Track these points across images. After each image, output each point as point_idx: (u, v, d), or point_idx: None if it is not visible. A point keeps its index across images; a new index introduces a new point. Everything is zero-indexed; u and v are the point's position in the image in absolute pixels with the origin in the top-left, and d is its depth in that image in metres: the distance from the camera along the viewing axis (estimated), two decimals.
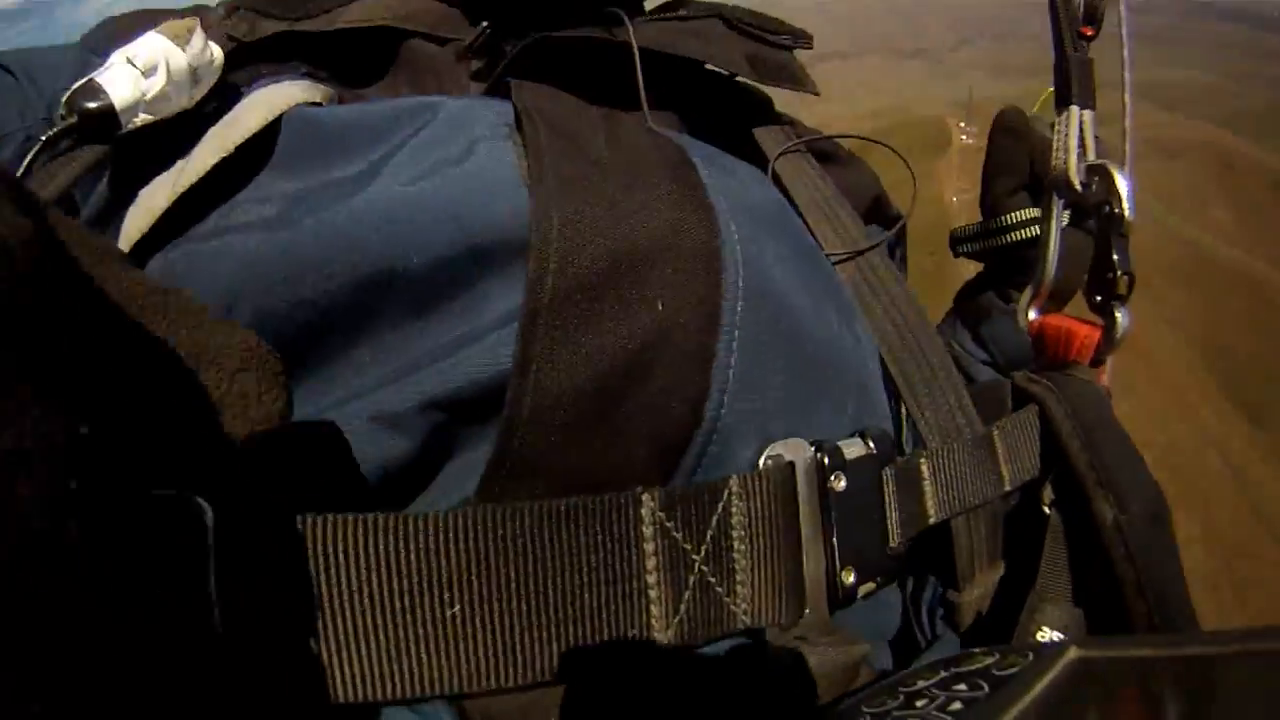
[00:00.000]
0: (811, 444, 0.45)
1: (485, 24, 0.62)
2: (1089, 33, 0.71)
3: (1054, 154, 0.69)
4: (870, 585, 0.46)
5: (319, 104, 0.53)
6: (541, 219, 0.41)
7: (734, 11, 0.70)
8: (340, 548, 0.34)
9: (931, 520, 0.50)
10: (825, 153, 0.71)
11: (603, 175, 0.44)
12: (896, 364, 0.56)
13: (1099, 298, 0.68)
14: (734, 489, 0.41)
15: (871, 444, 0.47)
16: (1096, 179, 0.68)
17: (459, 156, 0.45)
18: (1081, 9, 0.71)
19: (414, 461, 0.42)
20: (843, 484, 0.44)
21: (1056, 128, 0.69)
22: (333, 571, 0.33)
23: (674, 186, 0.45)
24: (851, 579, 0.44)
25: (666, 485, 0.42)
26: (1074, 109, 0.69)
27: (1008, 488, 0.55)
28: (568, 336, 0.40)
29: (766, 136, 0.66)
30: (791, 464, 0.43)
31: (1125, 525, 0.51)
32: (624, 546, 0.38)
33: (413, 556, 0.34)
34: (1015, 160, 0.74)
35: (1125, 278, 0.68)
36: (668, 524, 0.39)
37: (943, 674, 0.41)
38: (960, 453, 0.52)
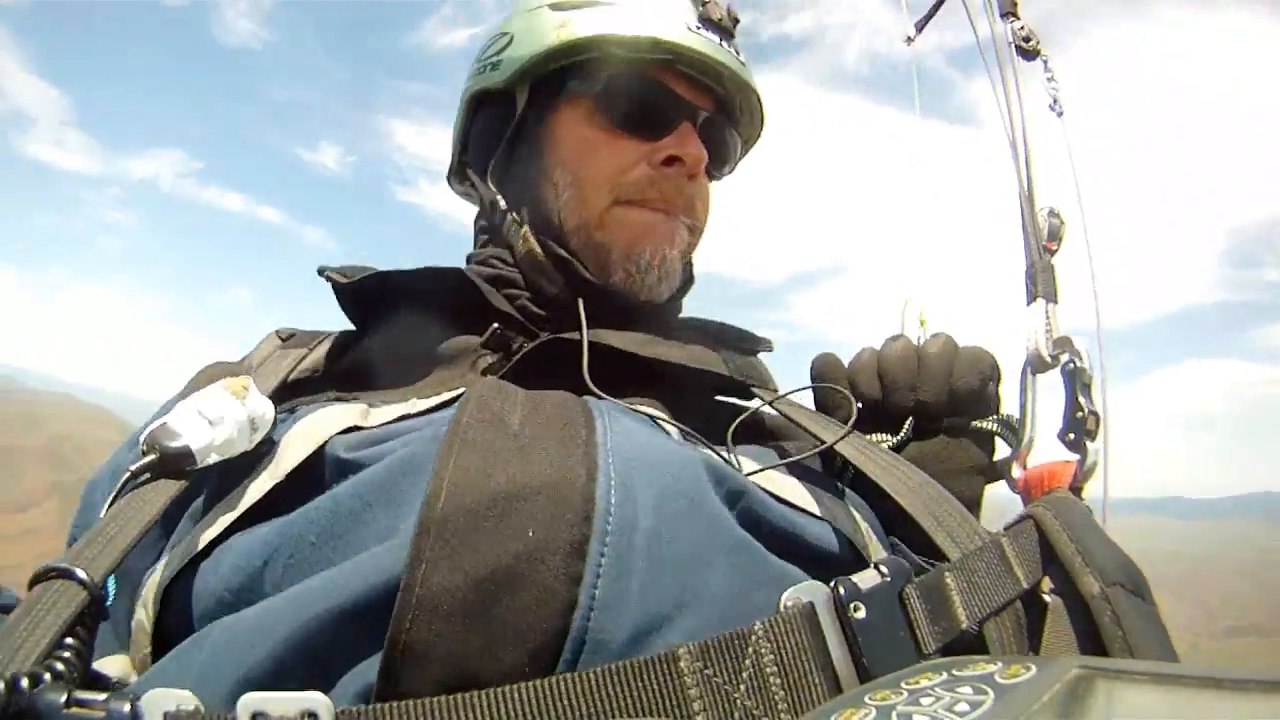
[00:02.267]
0: (830, 582, 0.53)
1: (496, 325, 0.85)
2: (1052, 247, 0.95)
3: (1026, 338, 0.91)
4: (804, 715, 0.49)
5: (355, 424, 0.70)
6: (440, 465, 0.55)
7: (705, 322, 0.98)
8: None
9: (964, 626, 0.55)
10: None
11: (511, 440, 0.59)
12: (907, 501, 0.69)
13: (1072, 435, 0.87)
14: (759, 632, 0.49)
15: (885, 571, 0.54)
16: (1062, 351, 0.89)
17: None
18: (1046, 231, 0.96)
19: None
20: (862, 613, 0.51)
21: (1030, 316, 0.92)
22: None
23: (564, 442, 0.59)
24: None
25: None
26: (1041, 301, 0.92)
27: (1025, 586, 0.62)
28: (450, 546, 0.51)
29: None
30: (810, 603, 0.51)
31: (1110, 595, 0.59)
32: (671, 699, 0.46)
33: None
34: (833, 401, 0.91)
35: (1092, 416, 0.87)
36: (707, 670, 0.47)
37: (945, 676, 0.44)
38: (977, 561, 0.60)
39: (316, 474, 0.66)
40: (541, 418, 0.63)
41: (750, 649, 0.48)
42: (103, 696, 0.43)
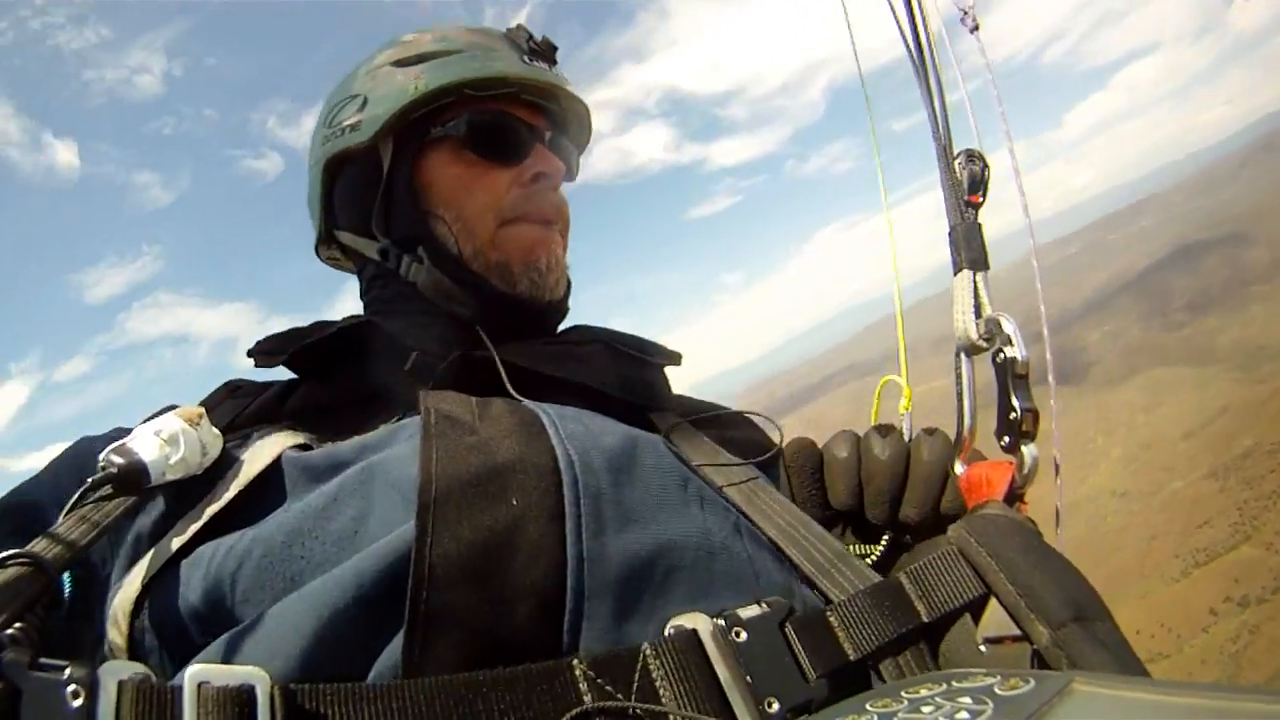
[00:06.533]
0: (712, 615, 0.59)
1: (415, 352, 0.91)
2: (977, 200, 0.82)
3: (954, 317, 0.80)
4: (804, 716, 0.56)
5: (303, 444, 0.78)
6: (425, 455, 0.65)
7: (612, 335, 1.00)
8: (325, 711, 0.48)
9: (852, 657, 0.60)
10: (713, 421, 0.95)
11: (472, 433, 0.69)
12: (791, 549, 0.71)
13: (1007, 438, 0.77)
14: (648, 652, 0.56)
15: (766, 606, 0.61)
16: (993, 334, 0.78)
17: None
18: (966, 181, 0.82)
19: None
20: (744, 636, 0.58)
21: (954, 291, 0.80)
22: None
23: (521, 432, 0.69)
24: (776, 708, 0.56)
25: (562, 646, 0.58)
26: (966, 273, 0.80)
27: (925, 619, 0.64)
28: (449, 519, 0.60)
29: (660, 419, 0.91)
30: (694, 630, 0.58)
31: (1062, 639, 0.59)
32: (565, 704, 0.52)
33: (390, 716, 0.49)
34: (808, 495, 0.87)
35: (1029, 415, 0.77)
36: (599, 680, 0.54)
37: (945, 686, 0.46)
38: (863, 600, 0.64)
39: (275, 484, 0.73)
40: (493, 415, 0.73)
41: (639, 664, 0.55)
42: (64, 663, 0.48)
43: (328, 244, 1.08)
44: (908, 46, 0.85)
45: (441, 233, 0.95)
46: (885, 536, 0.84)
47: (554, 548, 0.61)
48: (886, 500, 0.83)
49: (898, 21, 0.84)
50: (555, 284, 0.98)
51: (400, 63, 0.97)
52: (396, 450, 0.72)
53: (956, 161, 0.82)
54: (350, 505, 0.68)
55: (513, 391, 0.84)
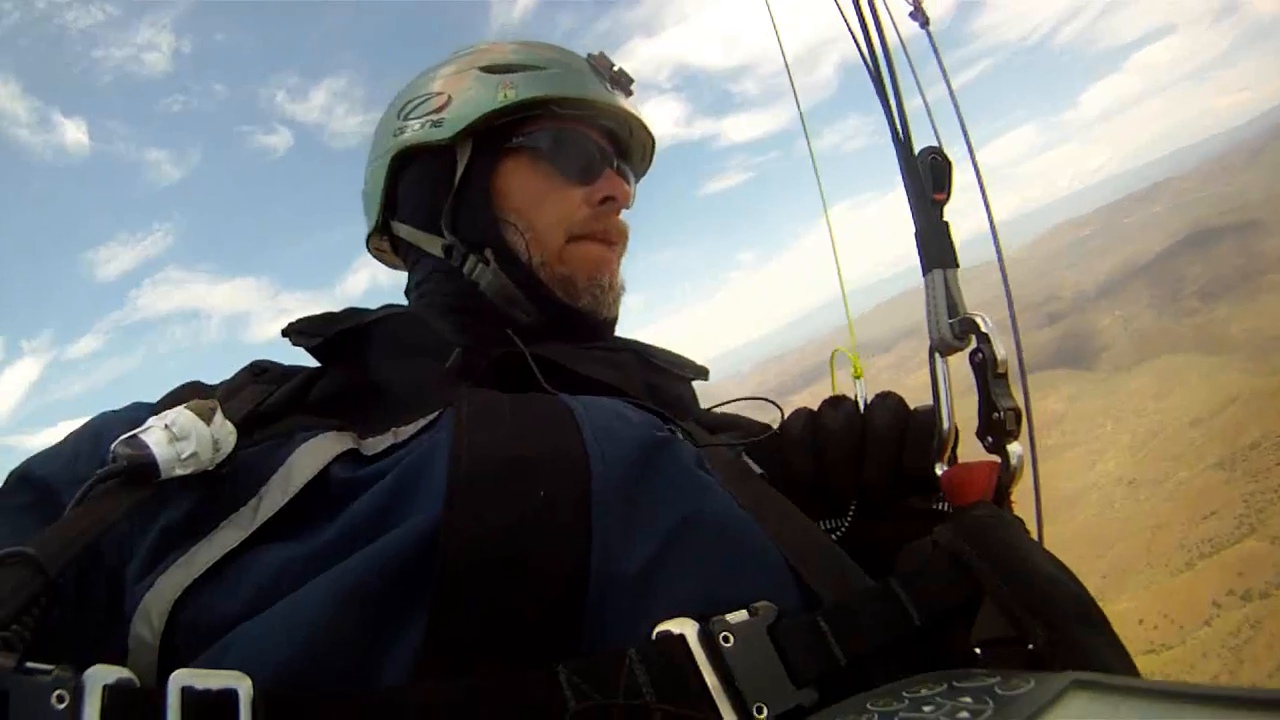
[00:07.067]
0: (698, 618, 0.58)
1: (458, 349, 0.92)
2: (941, 198, 0.79)
3: (927, 318, 0.78)
4: None
5: (352, 448, 0.77)
6: (456, 443, 0.68)
7: (645, 347, 1.05)
8: (307, 717, 0.50)
9: (842, 662, 0.59)
10: (727, 424, 1.00)
11: (504, 425, 0.72)
12: (787, 548, 0.68)
13: (990, 439, 0.75)
14: (634, 657, 0.55)
15: (755, 611, 0.60)
16: (969, 333, 0.76)
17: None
18: (930, 178, 0.79)
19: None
20: (731, 642, 0.57)
21: (926, 292, 0.78)
22: None
23: (552, 425, 0.72)
24: (765, 714, 0.55)
25: (582, 635, 0.58)
26: (937, 273, 0.78)
27: (918, 623, 0.61)
28: (478, 504, 0.62)
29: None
30: (681, 635, 0.57)
31: (1055, 641, 0.57)
32: (550, 711, 0.52)
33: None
34: (774, 479, 0.85)
35: (1010, 413, 0.74)
36: (584, 686, 0.53)
37: (946, 686, 0.45)
38: (855, 604, 0.62)
39: (321, 493, 0.72)
40: (527, 410, 0.75)
41: (625, 669, 0.55)
42: (50, 667, 0.49)
43: (380, 235, 1.11)
44: (858, 45, 0.83)
45: (512, 239, 0.99)
46: (852, 507, 0.84)
47: (580, 539, 0.62)
48: (845, 465, 0.82)
49: (846, 21, 0.82)
50: (613, 302, 1.05)
51: (489, 69, 1.01)
52: (433, 444, 0.74)
53: (921, 162, 0.80)
54: (396, 513, 0.68)
55: (546, 386, 0.86)
